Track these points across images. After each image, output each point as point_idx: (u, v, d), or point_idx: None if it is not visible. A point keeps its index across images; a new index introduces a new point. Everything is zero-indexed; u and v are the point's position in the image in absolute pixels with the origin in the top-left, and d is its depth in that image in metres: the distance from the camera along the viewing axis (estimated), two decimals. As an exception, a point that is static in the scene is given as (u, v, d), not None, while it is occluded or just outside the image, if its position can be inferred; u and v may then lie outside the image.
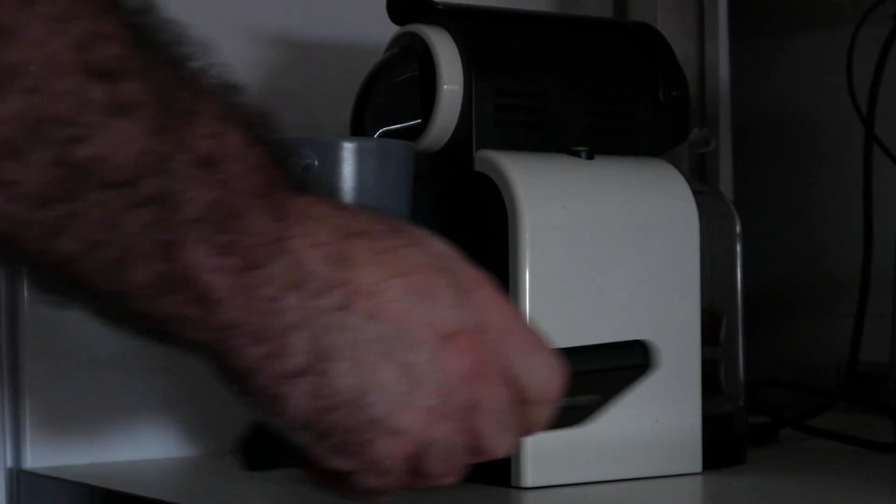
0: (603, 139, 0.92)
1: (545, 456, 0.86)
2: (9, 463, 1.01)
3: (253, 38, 1.09)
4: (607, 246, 0.88)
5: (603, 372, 0.68)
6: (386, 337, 0.59)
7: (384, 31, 0.94)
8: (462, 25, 0.90)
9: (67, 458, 1.02)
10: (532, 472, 0.86)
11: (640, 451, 0.89)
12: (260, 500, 0.88)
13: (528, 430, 0.65)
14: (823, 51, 1.29)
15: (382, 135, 0.93)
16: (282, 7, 1.10)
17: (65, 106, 0.50)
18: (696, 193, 0.93)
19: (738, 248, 1.01)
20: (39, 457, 1.01)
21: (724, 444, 0.96)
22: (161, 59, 0.55)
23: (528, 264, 0.86)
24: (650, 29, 0.97)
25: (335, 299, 0.58)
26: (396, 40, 0.93)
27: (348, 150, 0.88)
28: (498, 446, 0.63)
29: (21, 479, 1.01)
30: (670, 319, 0.90)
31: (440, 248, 0.65)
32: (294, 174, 0.60)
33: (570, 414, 0.67)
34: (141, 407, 1.05)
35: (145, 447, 1.05)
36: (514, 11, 0.96)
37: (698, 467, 0.91)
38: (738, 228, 1.01)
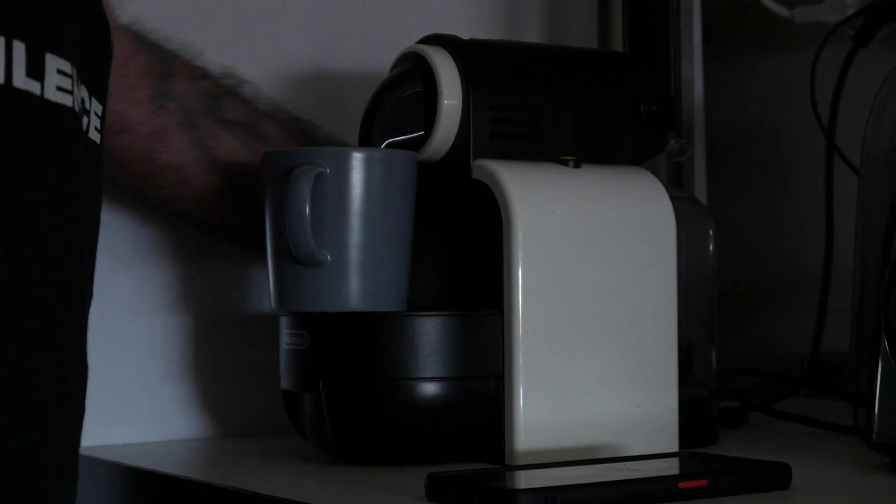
0: (589, 150, 0.93)
1: (534, 438, 0.86)
2: (48, 443, 1.01)
3: (279, 69, 1.10)
4: (593, 247, 0.89)
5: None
6: None
7: (386, 62, 0.95)
8: (461, 47, 0.91)
9: (101, 438, 1.02)
10: (523, 446, 0.86)
11: (622, 432, 0.89)
12: (279, 479, 0.88)
13: None
14: (789, 69, 1.29)
15: (388, 145, 0.93)
16: (305, 45, 1.11)
17: None
18: (673, 199, 0.93)
19: (712, 248, 1.02)
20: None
21: (698, 426, 0.97)
22: None
23: (520, 263, 0.86)
24: (630, 57, 0.98)
25: None
26: (401, 60, 0.93)
27: (357, 159, 0.88)
28: None
29: (60, 458, 1.01)
30: (650, 314, 0.91)
31: None
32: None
33: None
34: (169, 391, 1.05)
35: (173, 428, 1.05)
36: (509, 41, 0.96)
37: (675, 446, 0.91)
38: (711, 230, 1.02)
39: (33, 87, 0.66)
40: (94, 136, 0.73)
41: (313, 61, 1.11)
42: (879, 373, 0.83)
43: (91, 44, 0.72)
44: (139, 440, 1.03)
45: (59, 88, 0.68)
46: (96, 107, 0.73)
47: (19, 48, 0.65)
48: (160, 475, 0.91)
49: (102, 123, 0.74)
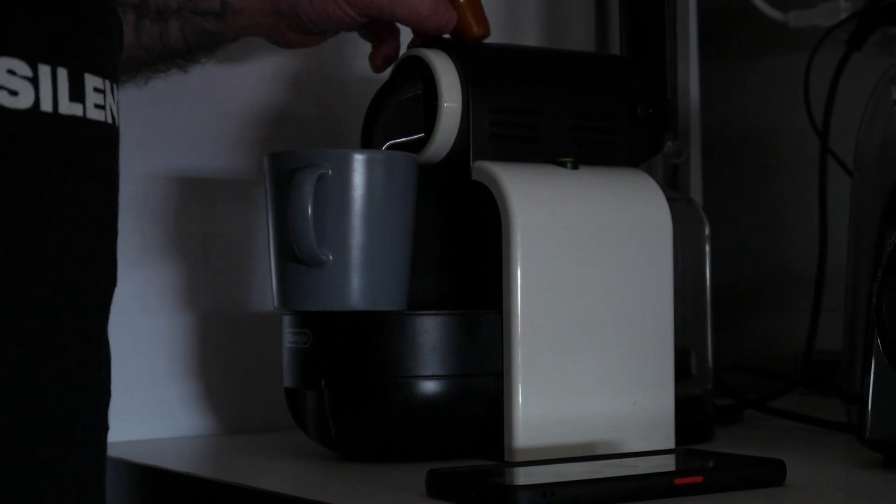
0: (586, 152, 0.93)
1: (533, 435, 0.86)
2: (55, 440, 1.02)
3: (284, 73, 1.10)
4: (590, 247, 0.89)
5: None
6: None
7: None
8: (461, 50, 0.91)
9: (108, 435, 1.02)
10: (521, 443, 0.86)
11: (619, 429, 0.89)
12: (282, 475, 0.88)
13: None
14: (783, 72, 1.30)
15: (389, 147, 0.93)
16: (309, 49, 1.10)
17: None
18: (669, 200, 0.93)
19: (707, 249, 1.02)
20: (83, 435, 1.01)
21: (694, 423, 0.97)
22: None
23: (519, 263, 0.86)
24: (628, 60, 0.98)
25: None
26: (402, 63, 0.93)
27: (359, 161, 0.88)
28: None
29: (66, 455, 1.01)
30: (647, 313, 0.91)
31: None
32: None
33: None
34: (174, 389, 1.05)
35: (178, 425, 1.05)
36: (508, 44, 0.96)
37: (671, 443, 0.91)
38: (707, 231, 1.02)
39: (76, 110, 0.67)
40: (119, 122, 0.73)
41: (316, 65, 1.11)
42: (872, 371, 0.83)
43: (109, 34, 0.72)
44: (145, 437, 1.03)
45: (96, 106, 0.69)
46: (117, 93, 0.73)
47: (62, 74, 0.66)
48: (165, 471, 0.91)
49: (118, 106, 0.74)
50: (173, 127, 1.05)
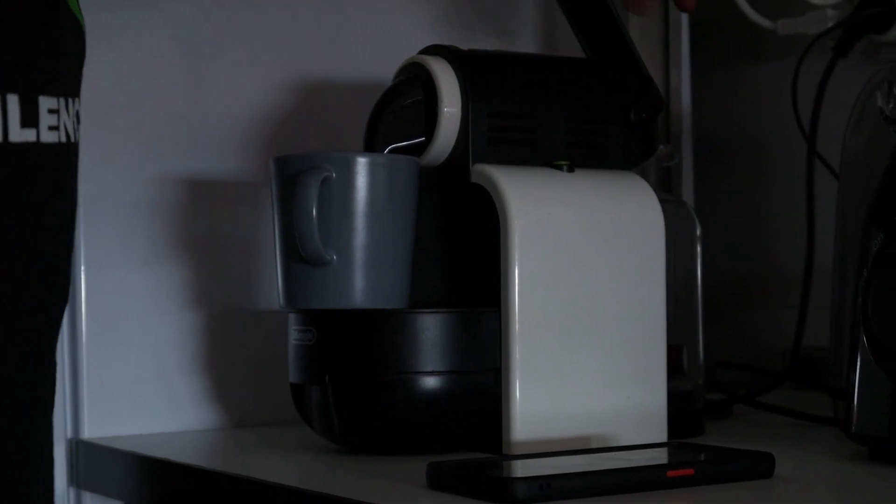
0: (582, 155, 0.93)
1: (530, 429, 0.86)
2: (69, 433, 1.02)
3: (290, 79, 1.10)
4: (586, 247, 0.89)
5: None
6: None
7: (390, 72, 0.95)
8: (460, 57, 0.91)
9: (118, 429, 1.02)
10: (519, 437, 0.86)
11: (614, 423, 0.89)
12: (287, 467, 0.88)
13: None
14: (772, 78, 1.30)
15: (391, 151, 0.93)
16: (314, 56, 1.11)
17: None
18: (662, 202, 0.93)
19: (699, 249, 1.02)
20: (95, 428, 1.01)
21: (685, 417, 0.97)
22: None
23: (517, 263, 0.86)
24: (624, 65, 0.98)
25: None
26: (403, 69, 0.93)
27: (361, 164, 0.88)
28: None
29: (79, 448, 1.01)
30: (640, 311, 0.91)
31: None
32: None
33: None
34: (183, 384, 1.05)
35: (187, 420, 1.05)
36: (506, 51, 0.96)
37: (664, 437, 0.91)
38: (698, 232, 1.02)
39: (29, 136, 0.65)
40: (76, 136, 0.71)
41: (322, 71, 1.11)
42: (858, 367, 0.83)
43: (67, 49, 0.70)
44: (155, 431, 1.04)
45: (50, 128, 0.66)
46: (77, 106, 0.71)
47: (13, 101, 0.64)
48: (175, 464, 0.91)
49: (79, 119, 0.72)
50: (183, 132, 1.05)
